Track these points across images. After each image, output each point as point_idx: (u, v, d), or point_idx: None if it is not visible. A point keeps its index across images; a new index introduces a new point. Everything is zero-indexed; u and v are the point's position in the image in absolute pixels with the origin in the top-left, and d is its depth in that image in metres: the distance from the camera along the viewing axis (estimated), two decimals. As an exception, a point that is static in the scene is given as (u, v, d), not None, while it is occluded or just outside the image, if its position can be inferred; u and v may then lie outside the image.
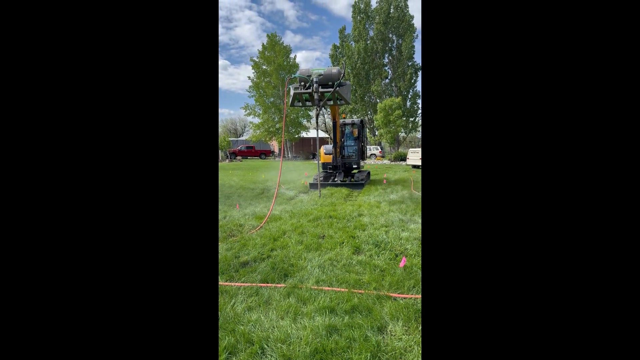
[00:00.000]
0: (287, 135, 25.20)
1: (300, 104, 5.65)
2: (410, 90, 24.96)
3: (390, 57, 25.48)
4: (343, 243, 3.12)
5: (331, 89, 5.27)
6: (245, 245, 3.15)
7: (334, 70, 5.30)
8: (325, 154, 8.09)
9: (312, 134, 30.58)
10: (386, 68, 25.72)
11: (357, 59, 24.88)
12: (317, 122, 5.77)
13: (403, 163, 17.34)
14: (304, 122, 27.27)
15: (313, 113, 33.51)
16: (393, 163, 18.39)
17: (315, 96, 5.21)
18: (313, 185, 7.20)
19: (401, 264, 2.40)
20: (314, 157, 26.61)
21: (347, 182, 6.58)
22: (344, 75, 5.36)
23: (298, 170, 13.79)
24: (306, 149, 28.48)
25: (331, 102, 5.57)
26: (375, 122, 21.15)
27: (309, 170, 13.08)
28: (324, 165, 8.07)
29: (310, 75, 5.33)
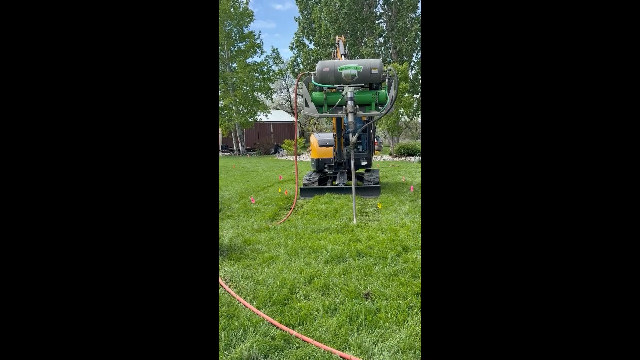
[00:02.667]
0: (237, 117, 24.14)
1: (322, 109, 5.64)
2: (414, 55, 25.23)
3: (385, 6, 25.58)
4: (411, 308, 2.59)
5: (375, 113, 5.49)
6: (233, 318, 2.44)
7: (374, 68, 5.31)
8: (321, 145, 7.73)
9: (274, 116, 29.82)
10: (380, 22, 25.79)
11: (338, 9, 24.66)
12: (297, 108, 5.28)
13: (413, 160, 17.26)
14: (261, 98, 26.40)
15: (275, 84, 33.05)
16: (398, 159, 18.28)
17: (350, 118, 5.18)
18: (305, 193, 7.04)
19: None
20: (276, 152, 25.98)
21: (352, 185, 6.16)
22: (388, 78, 5.50)
23: (261, 172, 13.31)
24: (265, 139, 27.57)
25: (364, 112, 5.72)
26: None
27: (284, 172, 12.56)
28: (318, 163, 7.95)
29: (341, 89, 5.39)
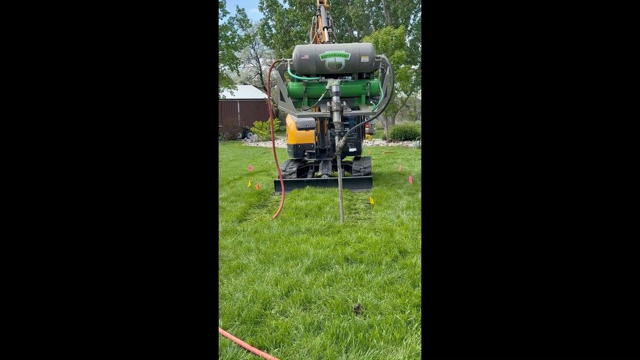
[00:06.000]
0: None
1: (301, 101, 5.66)
2: (412, 16, 25.36)
3: (376, -43, 25.60)
4: (410, 323, 2.68)
5: (367, 112, 5.56)
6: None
7: (364, 56, 5.31)
8: (299, 128, 7.75)
9: (241, 92, 29.59)
10: (370, -24, 25.81)
11: (319, -42, 24.51)
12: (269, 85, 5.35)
13: (411, 145, 17.45)
14: (225, 70, 26.18)
15: (241, 53, 32.71)
16: (393, 144, 18.45)
17: (336, 117, 5.19)
18: (279, 185, 7.14)
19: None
20: (245, 137, 25.88)
21: (338, 177, 6.23)
22: (381, 66, 5.55)
23: (226, 162, 13.26)
24: (230, 120, 27.39)
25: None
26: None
27: (255, 161, 12.53)
28: (297, 150, 8.05)
29: (325, 81, 5.40)
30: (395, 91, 20.85)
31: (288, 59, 5.48)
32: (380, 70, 5.60)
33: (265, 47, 33.85)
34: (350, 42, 26.09)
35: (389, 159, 12.45)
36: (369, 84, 5.55)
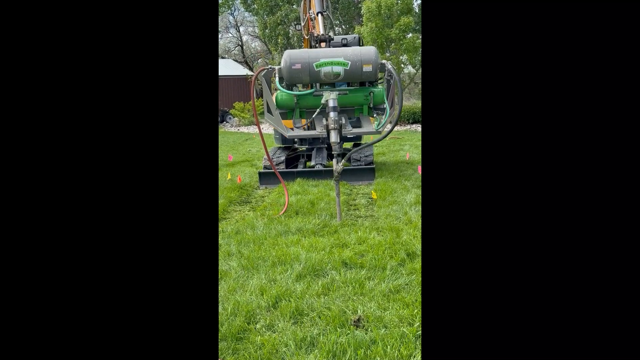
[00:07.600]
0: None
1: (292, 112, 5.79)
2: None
3: None
4: (419, 338, 2.73)
5: (371, 131, 5.61)
6: None
7: (367, 64, 5.29)
8: None
9: (222, 69, 29.38)
10: None
11: None
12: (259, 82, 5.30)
13: (420, 129, 17.45)
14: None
15: (219, 21, 32.43)
16: (400, 128, 18.48)
17: (334, 136, 5.17)
18: (267, 178, 7.21)
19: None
20: (223, 121, 25.86)
21: (334, 167, 6.28)
22: (386, 76, 5.57)
23: None
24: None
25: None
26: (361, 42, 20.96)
27: (235, 150, 12.53)
28: (284, 137, 7.82)
29: (320, 93, 5.38)
30: (402, 65, 20.83)
31: (276, 67, 5.45)
32: (386, 81, 5.61)
33: (247, 14, 33.70)
34: (348, 7, 26.03)
35: (394, 145, 12.49)
36: (372, 93, 5.53)
